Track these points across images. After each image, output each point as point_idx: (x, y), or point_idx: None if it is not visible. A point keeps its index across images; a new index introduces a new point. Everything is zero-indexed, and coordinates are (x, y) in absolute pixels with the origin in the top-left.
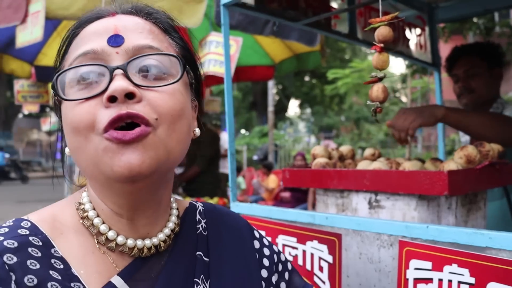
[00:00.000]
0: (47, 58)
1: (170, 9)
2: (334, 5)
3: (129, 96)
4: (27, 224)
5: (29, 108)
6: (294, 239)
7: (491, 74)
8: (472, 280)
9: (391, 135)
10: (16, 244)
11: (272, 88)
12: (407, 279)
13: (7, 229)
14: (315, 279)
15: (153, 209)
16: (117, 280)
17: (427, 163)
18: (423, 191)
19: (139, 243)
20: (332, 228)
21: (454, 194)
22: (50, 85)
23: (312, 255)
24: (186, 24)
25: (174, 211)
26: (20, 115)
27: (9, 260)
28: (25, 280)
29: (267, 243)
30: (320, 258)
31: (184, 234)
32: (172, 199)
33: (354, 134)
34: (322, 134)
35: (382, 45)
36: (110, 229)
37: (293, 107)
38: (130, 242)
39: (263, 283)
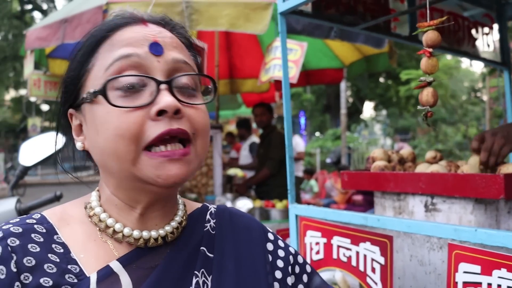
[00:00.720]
0: None
1: (237, 16)
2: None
3: (176, 112)
4: (38, 215)
5: None
6: (348, 241)
7: None
8: None
9: (469, 138)
10: (20, 230)
11: (344, 91)
12: (456, 282)
13: (18, 219)
14: (368, 280)
15: (163, 203)
16: (115, 265)
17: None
18: (479, 194)
19: (145, 234)
20: (384, 230)
21: (511, 198)
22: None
23: (365, 256)
24: (253, 31)
25: (181, 207)
26: None
27: (12, 243)
28: (24, 260)
29: (282, 245)
30: (372, 260)
31: (190, 229)
32: (178, 196)
33: (430, 136)
34: (398, 136)
35: (431, 49)
36: (117, 222)
37: (368, 109)
38: (136, 233)
39: (277, 284)
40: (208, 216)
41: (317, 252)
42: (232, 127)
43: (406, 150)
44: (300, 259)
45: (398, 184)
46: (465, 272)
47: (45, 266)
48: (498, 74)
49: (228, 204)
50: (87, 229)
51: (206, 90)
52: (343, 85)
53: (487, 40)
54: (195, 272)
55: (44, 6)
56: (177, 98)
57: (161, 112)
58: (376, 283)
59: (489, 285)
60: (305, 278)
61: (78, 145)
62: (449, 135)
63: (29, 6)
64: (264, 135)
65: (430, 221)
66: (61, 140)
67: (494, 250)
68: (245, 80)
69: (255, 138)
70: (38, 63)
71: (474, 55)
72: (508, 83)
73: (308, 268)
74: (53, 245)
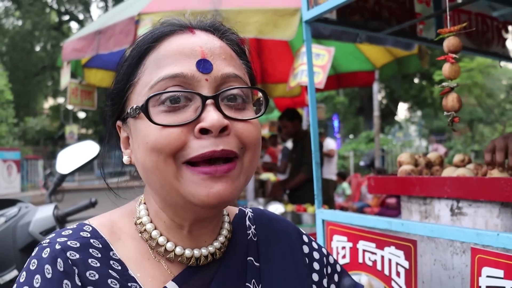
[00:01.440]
0: None
1: (265, 23)
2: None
3: (222, 129)
4: (89, 228)
5: None
6: (373, 245)
7: None
8: None
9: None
10: (78, 244)
11: (377, 93)
12: (480, 287)
13: (70, 231)
14: (393, 284)
15: (211, 219)
16: (171, 285)
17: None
18: (504, 198)
19: (196, 252)
20: (407, 235)
21: None
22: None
23: (390, 260)
24: (281, 37)
25: (226, 218)
26: None
27: (72, 256)
28: (87, 274)
29: (316, 247)
30: (397, 264)
31: (235, 240)
32: None
33: (466, 136)
34: (433, 137)
35: (454, 55)
36: (168, 240)
37: (402, 110)
38: (187, 252)
39: (315, 287)
40: (248, 222)
41: (344, 256)
42: (265, 132)
43: (433, 154)
44: (331, 259)
45: (424, 188)
46: (488, 276)
47: (109, 281)
48: None
49: None
50: (139, 246)
51: (258, 102)
52: (375, 87)
53: None
54: (247, 284)
55: (81, 17)
56: (224, 113)
57: (205, 131)
58: (401, 287)
59: None
60: (336, 277)
61: (125, 158)
62: (486, 135)
63: (66, 17)
64: (297, 140)
65: (452, 225)
66: (97, 147)
67: None
68: (276, 85)
69: (287, 143)
70: (74, 73)
71: (504, 55)
72: None
73: (338, 268)
74: (111, 262)
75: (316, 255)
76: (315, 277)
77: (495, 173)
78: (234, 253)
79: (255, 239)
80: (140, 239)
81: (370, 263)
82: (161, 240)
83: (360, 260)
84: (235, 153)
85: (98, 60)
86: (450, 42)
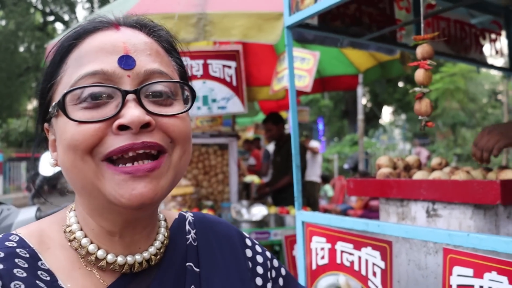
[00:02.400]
0: None
1: (250, 27)
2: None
3: (145, 125)
4: (15, 237)
5: None
6: (351, 246)
7: None
8: None
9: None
10: (2, 254)
11: (361, 96)
12: (451, 285)
13: None
14: (370, 283)
15: (144, 224)
16: None
17: (492, 173)
18: (477, 200)
19: (130, 259)
20: (384, 236)
21: (507, 203)
22: None
23: (366, 261)
24: (265, 40)
25: (163, 223)
26: None
27: None
28: (12, 285)
29: (260, 250)
30: (373, 264)
31: (173, 246)
32: (158, 210)
33: (449, 140)
34: (417, 141)
35: (428, 62)
36: (99, 248)
37: (387, 114)
38: (120, 259)
39: None
40: (187, 227)
41: (322, 257)
42: (250, 134)
43: (411, 157)
44: (275, 262)
45: (401, 191)
46: (459, 275)
47: None
48: None
49: (243, 211)
50: (70, 255)
51: (187, 99)
52: (359, 90)
53: (495, 46)
54: None
55: (66, 18)
56: (147, 109)
57: (124, 127)
58: (377, 287)
59: (481, 287)
60: (281, 281)
61: (51, 161)
62: (468, 139)
63: (51, 18)
64: (280, 144)
65: (426, 227)
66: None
67: (486, 254)
68: (261, 88)
69: (268, 146)
70: None
71: (482, 62)
72: None
73: (283, 271)
74: (39, 272)
75: (259, 258)
76: (259, 281)
77: (460, 174)
78: (171, 259)
79: (195, 244)
80: (70, 247)
81: (347, 264)
82: (91, 248)
83: (338, 261)
84: (160, 146)
85: None
86: (423, 49)
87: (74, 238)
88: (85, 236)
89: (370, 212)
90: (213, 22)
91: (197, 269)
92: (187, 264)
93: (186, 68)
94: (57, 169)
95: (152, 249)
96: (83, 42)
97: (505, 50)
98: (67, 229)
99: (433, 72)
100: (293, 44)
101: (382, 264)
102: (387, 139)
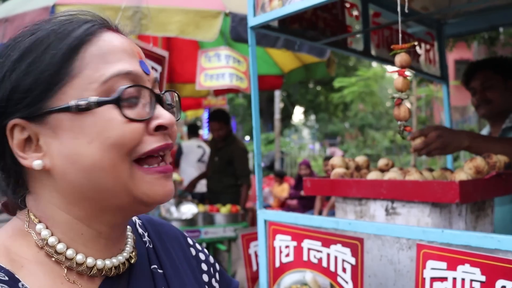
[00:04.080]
0: None
1: (187, 23)
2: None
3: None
4: None
5: None
6: (319, 243)
7: (506, 86)
8: (483, 278)
9: (396, 142)
10: None
11: (278, 96)
12: (424, 278)
13: None
14: (339, 279)
15: (124, 225)
16: None
17: (436, 172)
18: (437, 199)
19: (115, 260)
20: (354, 233)
21: (465, 202)
22: None
23: (336, 257)
24: (202, 38)
25: (128, 227)
26: None
27: None
28: None
29: (200, 248)
30: (343, 260)
31: (137, 249)
32: None
33: (359, 141)
34: (327, 141)
35: (406, 69)
36: (86, 256)
37: (298, 114)
38: (108, 262)
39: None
40: (140, 230)
41: (287, 255)
42: None
43: (361, 158)
44: (211, 259)
45: (360, 190)
46: (432, 268)
47: None
48: (425, 84)
49: (172, 209)
50: (48, 270)
51: (170, 106)
52: (277, 91)
53: (429, 56)
54: None
55: None
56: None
57: (159, 127)
58: (347, 282)
59: (454, 279)
60: (217, 276)
61: (38, 163)
62: (377, 140)
63: None
64: (222, 146)
65: (399, 224)
66: None
67: (459, 248)
68: (184, 84)
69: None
70: None
71: (418, 70)
72: (446, 96)
73: (218, 267)
74: None
75: (202, 256)
76: (205, 277)
77: (416, 176)
78: (140, 262)
79: (151, 246)
80: (49, 262)
81: (315, 261)
82: (79, 258)
83: (305, 258)
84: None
85: None
86: (402, 58)
87: (56, 251)
88: (68, 247)
89: (288, 210)
90: (150, 16)
91: (161, 271)
92: (152, 266)
93: (161, 74)
94: None
95: (128, 247)
96: (97, 39)
97: (437, 59)
98: (41, 244)
99: (347, 75)
100: (229, 43)
101: (352, 260)
102: (298, 139)
